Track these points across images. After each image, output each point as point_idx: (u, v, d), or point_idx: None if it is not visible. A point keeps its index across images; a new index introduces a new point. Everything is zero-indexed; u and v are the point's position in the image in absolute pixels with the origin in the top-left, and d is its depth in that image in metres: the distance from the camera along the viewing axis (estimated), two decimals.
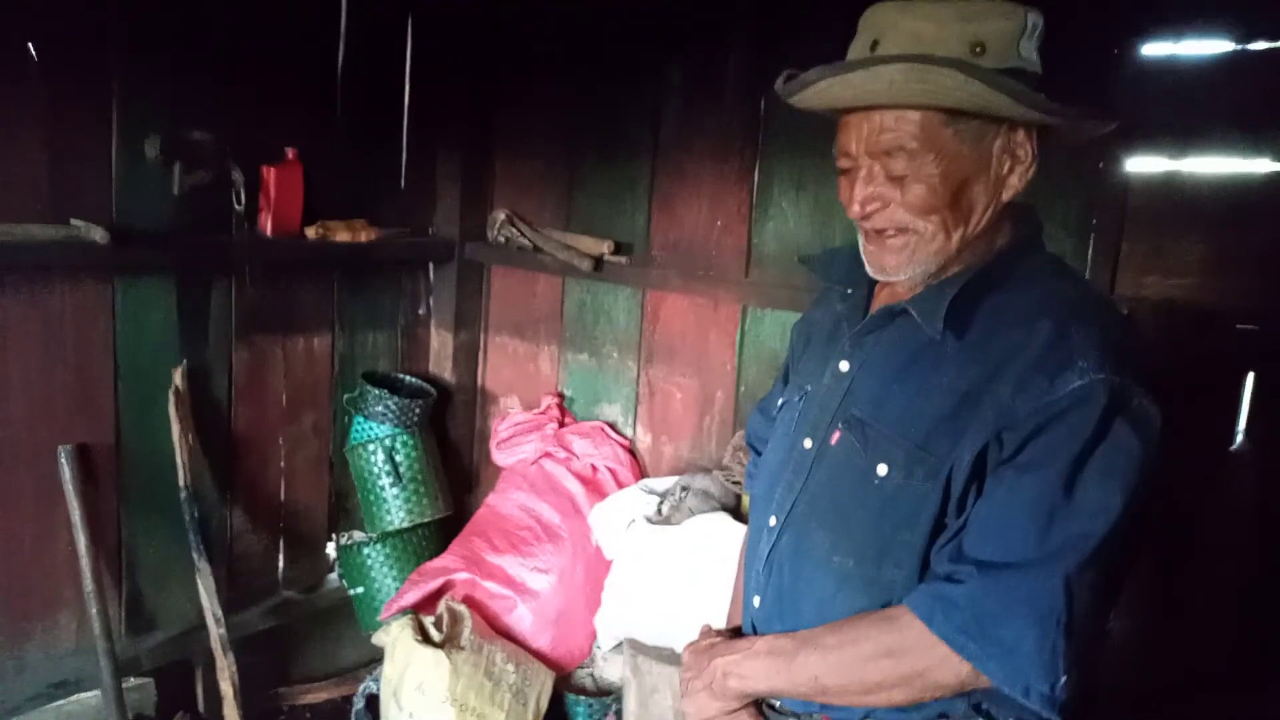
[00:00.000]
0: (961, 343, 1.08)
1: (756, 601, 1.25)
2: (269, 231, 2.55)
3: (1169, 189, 2.04)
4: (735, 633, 1.29)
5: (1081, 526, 0.97)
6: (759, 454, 1.45)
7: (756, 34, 2.50)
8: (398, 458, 2.77)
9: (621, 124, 2.81)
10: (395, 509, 2.79)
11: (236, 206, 2.49)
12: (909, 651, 1.02)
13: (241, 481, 2.68)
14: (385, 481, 2.78)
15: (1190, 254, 2.02)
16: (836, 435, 1.16)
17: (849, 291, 1.27)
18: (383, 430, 2.78)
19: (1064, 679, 0.97)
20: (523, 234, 2.94)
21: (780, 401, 1.35)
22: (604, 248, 2.80)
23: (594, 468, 2.82)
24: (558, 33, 2.91)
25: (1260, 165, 1.95)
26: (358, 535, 2.88)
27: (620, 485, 2.78)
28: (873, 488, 1.10)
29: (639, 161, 2.79)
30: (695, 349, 2.75)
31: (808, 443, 1.20)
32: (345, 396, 2.84)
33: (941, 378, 1.08)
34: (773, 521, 1.22)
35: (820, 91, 1.07)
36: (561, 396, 3.05)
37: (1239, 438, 2.02)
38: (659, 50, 2.67)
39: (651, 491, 2.58)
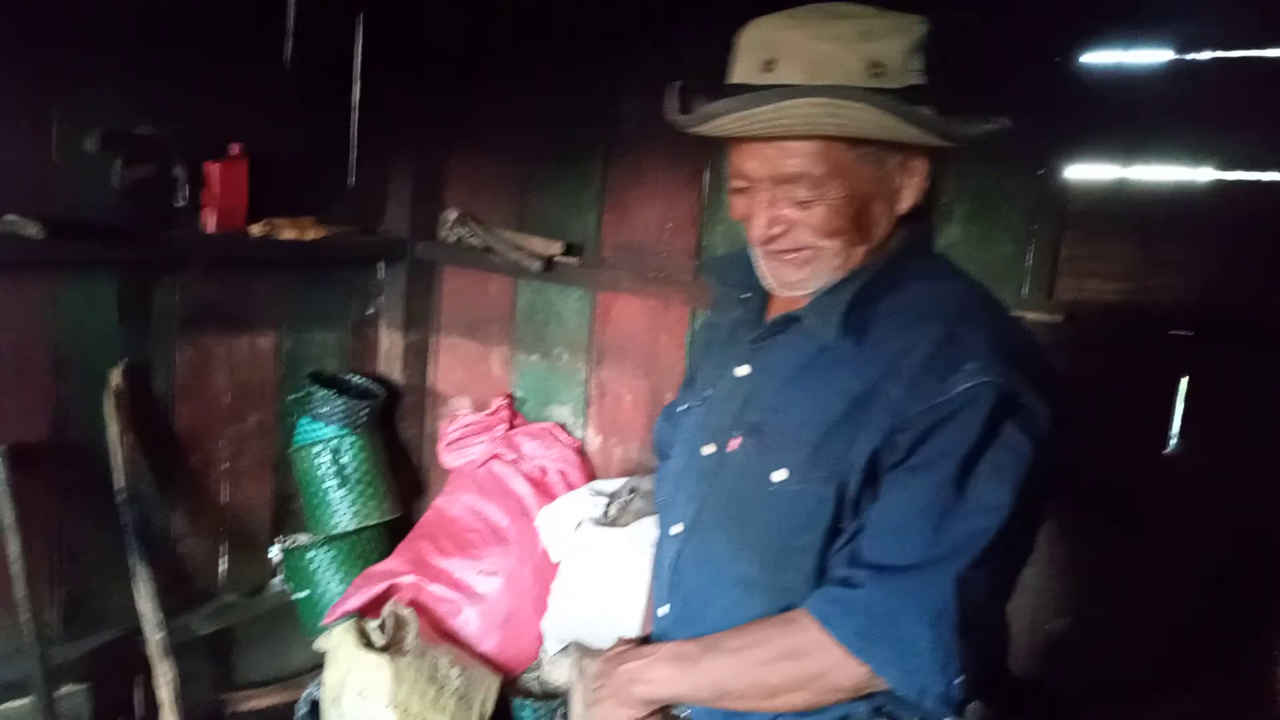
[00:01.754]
0: (856, 345, 1.11)
1: (663, 610, 1.27)
2: (213, 228, 2.55)
3: (1108, 195, 2.11)
4: (646, 641, 1.30)
5: (973, 525, 1.00)
6: (664, 458, 1.47)
7: (713, 35, 2.54)
8: (344, 459, 2.78)
9: (576, 124, 2.83)
10: (341, 511, 2.79)
11: (179, 202, 2.49)
12: (808, 654, 1.05)
13: (183, 483, 2.68)
14: (331, 483, 2.78)
15: (1128, 259, 2.09)
16: (735, 441, 1.18)
17: (746, 296, 1.29)
18: (329, 431, 2.78)
19: (960, 678, 1.00)
20: (474, 233, 2.96)
21: (683, 407, 1.37)
22: (555, 248, 2.83)
23: (543, 469, 2.84)
24: (514, 31, 2.93)
25: (1197, 173, 2.02)
26: (302, 538, 2.88)
27: (570, 487, 2.80)
28: (770, 493, 1.12)
29: (592, 162, 2.82)
30: (646, 350, 2.78)
31: (708, 449, 1.22)
32: (290, 397, 2.84)
33: (836, 381, 1.11)
34: (676, 529, 1.24)
35: (724, 125, 1.08)
36: (512, 398, 3.07)
37: (1173, 441, 2.10)
38: (614, 50, 2.70)
39: (600, 493, 2.61)
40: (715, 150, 2.57)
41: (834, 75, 1.03)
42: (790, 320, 1.18)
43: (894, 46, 1.05)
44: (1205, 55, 1.98)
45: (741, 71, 1.10)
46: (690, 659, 1.13)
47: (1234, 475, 1.98)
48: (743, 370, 1.22)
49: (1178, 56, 2.01)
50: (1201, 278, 2.01)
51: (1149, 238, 2.06)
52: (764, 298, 1.27)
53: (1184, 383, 2.07)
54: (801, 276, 1.14)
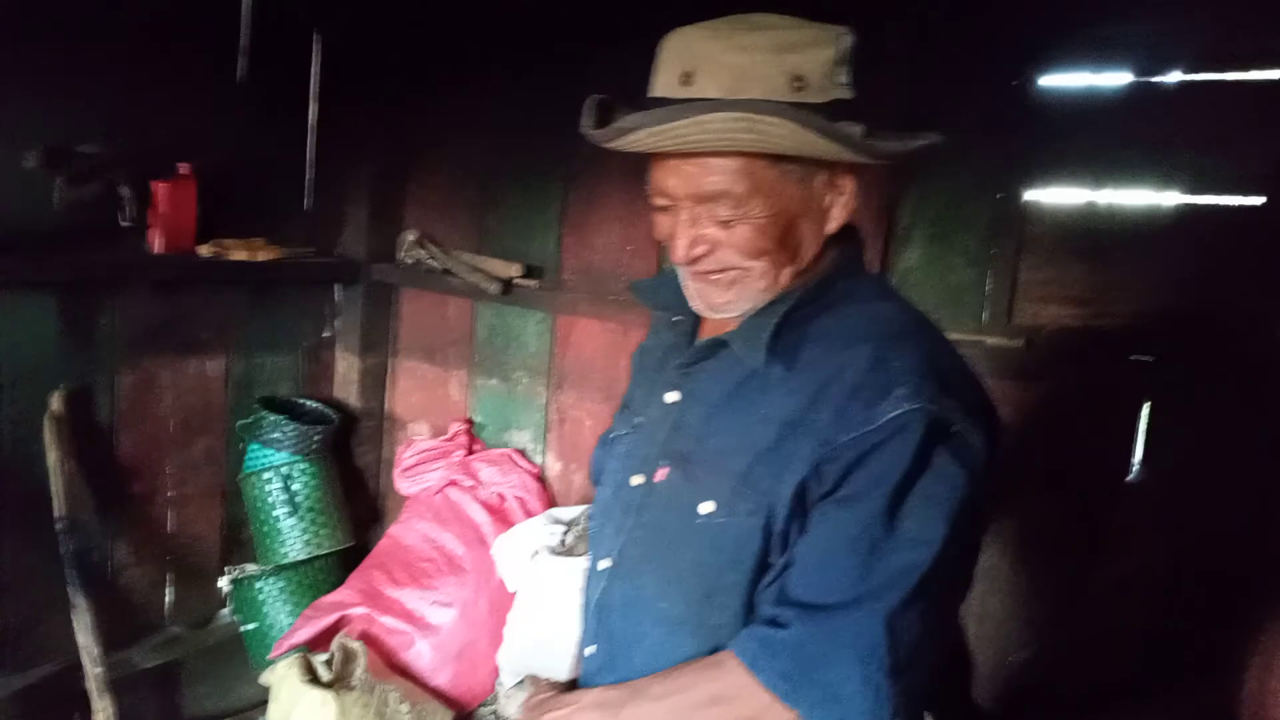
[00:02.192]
0: (785, 370, 1.08)
1: (589, 651, 1.22)
2: (159, 248, 2.50)
3: (1067, 219, 2.10)
4: (573, 684, 1.25)
5: (904, 560, 0.96)
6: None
7: None
8: (295, 486, 2.71)
9: (535, 145, 2.81)
10: (291, 540, 2.73)
11: (124, 222, 2.44)
12: (735, 699, 1.00)
13: (126, 511, 2.60)
14: (281, 512, 2.72)
15: (1086, 284, 2.08)
16: (662, 471, 1.13)
17: (678, 319, 1.24)
18: (280, 458, 2.72)
19: None
20: (432, 255, 2.92)
21: (613, 435, 1.31)
22: (514, 270, 2.79)
23: (501, 496, 2.79)
24: (473, 51, 2.91)
25: (1157, 196, 2.02)
26: (251, 568, 2.81)
27: (528, 514, 2.75)
28: (696, 526, 1.07)
29: (551, 183, 2.80)
30: (606, 375, 2.74)
31: (636, 479, 1.17)
32: (240, 422, 2.78)
33: (764, 408, 1.07)
34: (603, 564, 1.19)
35: (640, 140, 1.03)
36: (471, 423, 3.02)
37: (1135, 468, 2.08)
38: (575, 68, 2.68)
39: (557, 521, 2.56)
40: None
41: (754, 89, 0.99)
42: (718, 344, 1.13)
43: (816, 59, 1.01)
44: (1164, 78, 1.99)
45: (661, 85, 1.06)
46: (614, 707, 1.07)
47: (1196, 500, 1.96)
48: (672, 396, 1.17)
49: (1137, 79, 2.01)
50: (1161, 302, 2.00)
51: (1108, 261, 2.05)
52: (695, 321, 1.23)
53: (1145, 408, 2.06)
54: (728, 299, 1.10)
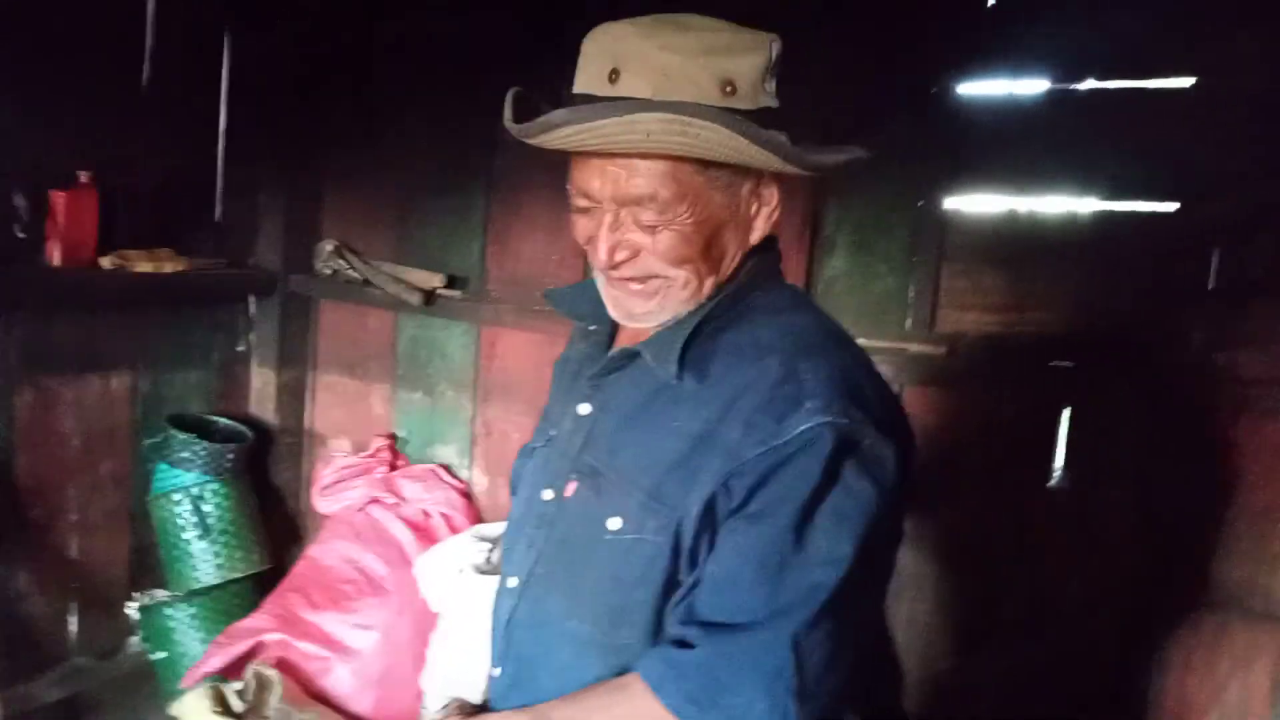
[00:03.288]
0: (698, 382, 1.06)
1: (496, 672, 1.20)
2: (57, 261, 2.40)
3: (986, 226, 2.14)
4: (483, 707, 1.23)
5: (812, 578, 0.94)
6: None
7: None
8: (206, 508, 2.63)
9: (455, 152, 2.77)
10: (203, 564, 2.64)
11: (19, 233, 2.35)
12: None
13: (25, 537, 2.48)
14: (192, 535, 2.63)
15: (1007, 290, 2.13)
16: (571, 486, 1.12)
17: (592, 329, 1.23)
18: (190, 478, 2.64)
19: None
20: (351, 266, 2.87)
21: (531, 447, 1.30)
22: (436, 281, 2.75)
23: (426, 513, 2.74)
24: (393, 54, 2.86)
25: (1074, 203, 2.07)
26: (161, 594, 2.71)
27: (455, 531, 2.71)
28: (605, 543, 1.05)
29: (474, 191, 2.77)
30: (534, 387, 2.71)
31: (547, 494, 1.14)
32: (148, 442, 2.69)
33: (674, 421, 1.05)
34: (513, 582, 1.17)
35: (565, 137, 1.01)
36: (394, 438, 2.96)
37: (1056, 474, 2.12)
38: (497, 73, 2.65)
39: (483, 538, 2.52)
40: None
41: (684, 91, 0.97)
42: (630, 355, 1.12)
43: (748, 65, 1.00)
44: (1080, 86, 2.04)
45: (584, 81, 1.03)
46: None
47: (1117, 505, 2.01)
48: (584, 409, 1.15)
49: (1053, 87, 2.06)
50: (1080, 308, 2.05)
51: (1028, 269, 2.10)
52: (611, 331, 1.21)
53: (1066, 414, 2.10)
54: (648, 309, 1.08)
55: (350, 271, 2.88)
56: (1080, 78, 2.04)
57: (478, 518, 2.81)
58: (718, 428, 1.01)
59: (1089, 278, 2.03)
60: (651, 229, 1.03)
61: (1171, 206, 1.95)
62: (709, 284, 1.08)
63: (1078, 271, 2.05)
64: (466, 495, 2.83)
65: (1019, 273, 2.11)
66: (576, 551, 1.09)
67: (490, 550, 2.44)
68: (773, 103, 1.03)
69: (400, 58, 2.84)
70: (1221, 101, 1.87)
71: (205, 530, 2.63)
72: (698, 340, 1.07)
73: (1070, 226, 2.06)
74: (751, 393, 1.00)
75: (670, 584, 1.02)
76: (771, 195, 1.09)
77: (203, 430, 2.78)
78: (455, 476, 2.87)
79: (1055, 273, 2.07)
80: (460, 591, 2.36)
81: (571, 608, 1.08)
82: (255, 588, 2.76)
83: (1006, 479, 2.11)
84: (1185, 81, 1.91)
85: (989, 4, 2.12)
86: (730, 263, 1.10)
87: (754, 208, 1.09)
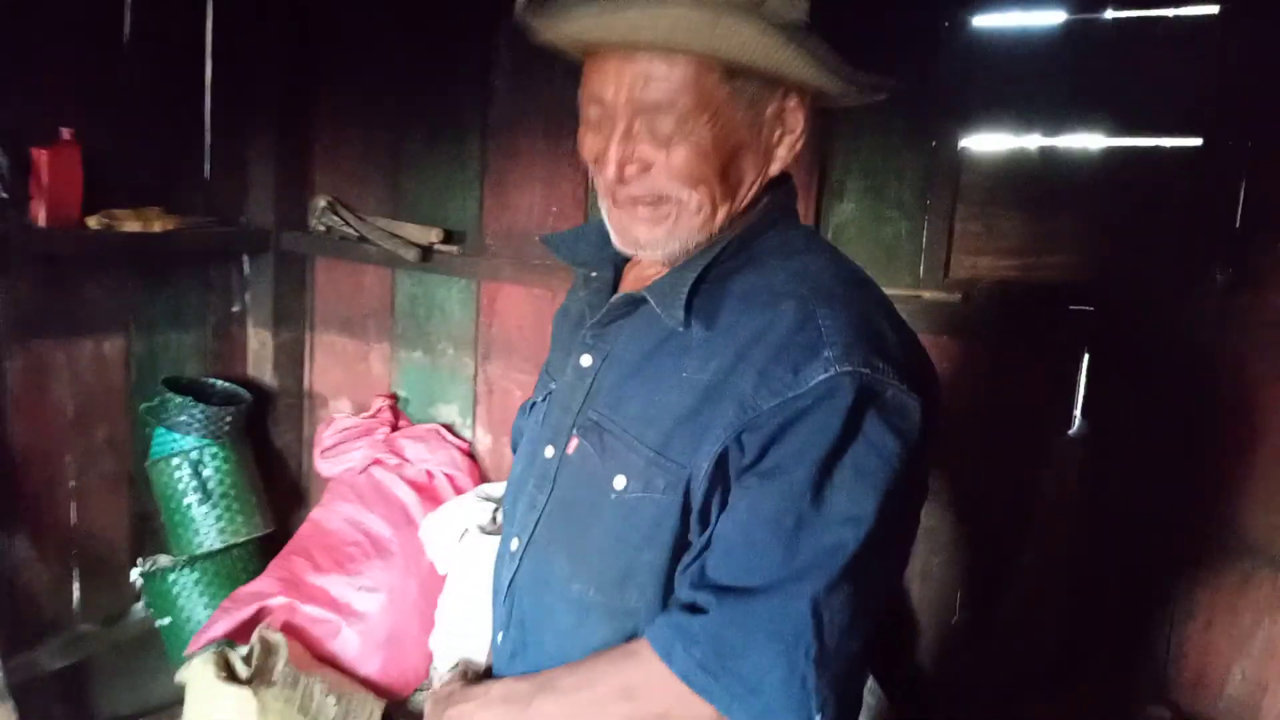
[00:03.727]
0: (707, 329, 0.99)
1: (500, 638, 1.16)
2: (42, 222, 2.34)
3: (1001, 167, 2.07)
4: (490, 671, 1.19)
5: (832, 538, 0.89)
6: None
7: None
8: (206, 472, 2.60)
9: (450, 101, 2.70)
10: (205, 529, 2.62)
11: (0, 194, 2.29)
12: (647, 691, 0.94)
13: (22, 505, 2.47)
14: (192, 499, 2.61)
15: (1023, 234, 2.06)
16: (574, 442, 1.06)
17: (593, 275, 1.17)
18: (188, 442, 2.61)
19: (818, 716, 0.90)
20: (346, 222, 2.81)
21: (530, 402, 1.24)
22: (432, 236, 2.69)
23: (429, 474, 2.71)
24: (382, 4, 2.78)
25: (1092, 140, 1.99)
26: (164, 560, 2.70)
27: (459, 491, 2.68)
28: (611, 503, 0.99)
29: (469, 143, 2.70)
30: (535, 343, 2.67)
31: (549, 451, 1.09)
32: (144, 406, 2.65)
33: (683, 371, 0.98)
34: (515, 545, 1.12)
35: (583, 30, 0.94)
36: (395, 398, 2.93)
37: (1076, 421, 2.08)
38: (488, 17, 2.58)
39: (488, 498, 2.50)
40: None
41: None
42: (633, 301, 1.05)
43: None
44: (1097, 16, 1.95)
45: None
46: (522, 700, 1.01)
47: (1138, 453, 1.96)
48: (586, 360, 1.09)
49: (1070, 18, 1.97)
50: (1101, 250, 1.99)
51: (1044, 210, 2.03)
52: (614, 277, 1.15)
53: (1085, 359, 2.05)
54: (655, 235, 1.01)
55: (345, 228, 2.82)
56: (1098, 7, 1.96)
57: (482, 477, 2.78)
58: (729, 378, 0.95)
59: (1109, 218, 1.97)
60: (666, 142, 0.96)
61: (1195, 142, 1.87)
62: (722, 213, 1.01)
63: (1097, 212, 1.98)
64: (470, 455, 2.80)
65: (1036, 215, 2.04)
66: (580, 511, 1.04)
67: (495, 510, 2.41)
68: (804, 19, 0.96)
69: (389, 9, 2.75)
70: (1247, 30, 1.79)
71: (206, 494, 2.60)
72: (706, 284, 1.00)
73: (1089, 165, 1.99)
74: (765, 341, 0.94)
75: (679, 545, 0.98)
76: (797, 121, 1.02)
77: (200, 393, 2.75)
78: (458, 436, 2.83)
79: (1074, 214, 2.00)
80: (466, 552, 2.34)
81: (575, 570, 1.04)
82: (259, 552, 2.75)
83: (1025, 428, 2.06)
84: (1210, 9, 1.82)
85: None
86: (746, 192, 1.03)
87: (777, 133, 1.02)
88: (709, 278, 1.00)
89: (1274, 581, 1.84)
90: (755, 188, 1.04)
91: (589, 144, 1.02)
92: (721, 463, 0.94)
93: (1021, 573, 2.11)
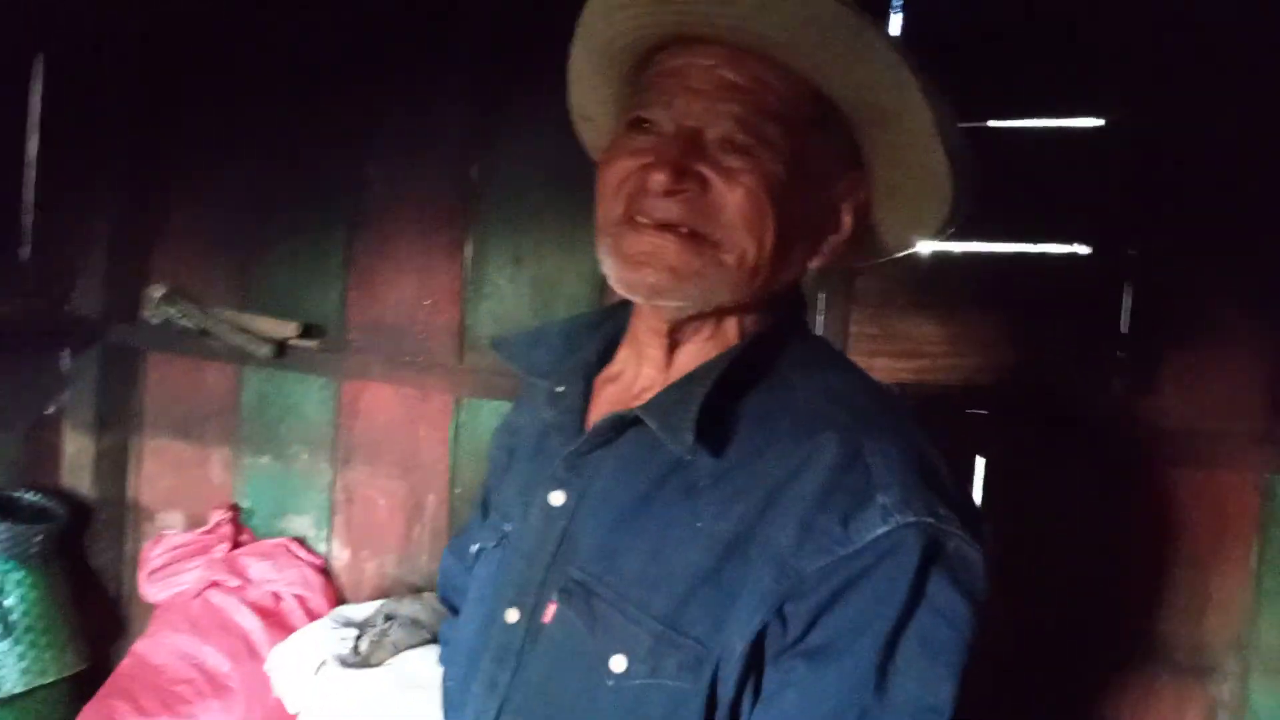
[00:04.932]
0: (720, 461, 0.83)
1: None
2: None
3: (893, 270, 2.10)
4: None
5: None
6: (456, 613, 1.14)
7: (472, 88, 2.37)
8: (8, 602, 2.29)
9: (313, 187, 2.56)
10: (6, 669, 2.28)
11: None
12: None
13: None
14: None
15: (918, 337, 2.08)
16: (551, 608, 0.86)
17: (559, 390, 0.98)
18: None
19: None
20: (186, 314, 2.59)
21: (475, 547, 1.04)
22: (289, 330, 2.51)
23: (276, 596, 2.47)
24: (245, 74, 2.63)
25: (982, 246, 2.04)
26: None
27: (311, 615, 2.45)
28: (608, 690, 0.81)
29: (333, 229, 2.55)
30: (403, 447, 2.51)
31: (511, 615, 0.89)
32: None
33: (696, 517, 0.81)
34: None
35: (689, 6, 0.77)
36: (237, 509, 2.68)
37: None
38: (362, 102, 2.47)
39: (348, 623, 2.28)
40: (477, 218, 2.38)
41: None
42: (622, 424, 0.88)
43: None
44: (980, 124, 2.02)
45: None
46: None
47: (1037, 558, 1.97)
48: (558, 497, 0.90)
49: (967, 124, 2.03)
50: (994, 354, 2.02)
51: (938, 314, 2.06)
52: (585, 390, 0.97)
53: (980, 464, 2.06)
54: (668, 281, 0.82)
55: (185, 320, 2.60)
56: (981, 117, 2.03)
57: (338, 598, 2.56)
58: (759, 529, 0.79)
59: (1003, 323, 2.01)
60: (733, 174, 0.80)
61: (1084, 249, 1.95)
62: (758, 283, 0.85)
63: (990, 316, 2.02)
64: (324, 572, 2.58)
65: (931, 318, 2.07)
66: (566, 700, 0.85)
67: (358, 638, 2.20)
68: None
69: (248, 80, 2.61)
70: (1130, 142, 1.89)
71: (7, 628, 2.28)
72: (716, 402, 0.84)
73: (980, 269, 2.04)
74: (802, 481, 0.79)
75: None
76: (848, 219, 0.90)
77: (4, 508, 2.44)
78: (310, 551, 2.61)
79: (967, 317, 2.04)
80: (322, 688, 2.11)
81: None
82: (72, 693, 2.42)
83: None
84: (1094, 122, 1.92)
85: None
86: (785, 274, 0.88)
87: (830, 222, 0.89)
88: (718, 394, 0.85)
89: (1177, 686, 1.86)
90: (791, 277, 0.90)
91: (621, 164, 0.84)
92: (758, 641, 0.79)
93: None
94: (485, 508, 1.11)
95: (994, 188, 1.95)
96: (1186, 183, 1.84)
